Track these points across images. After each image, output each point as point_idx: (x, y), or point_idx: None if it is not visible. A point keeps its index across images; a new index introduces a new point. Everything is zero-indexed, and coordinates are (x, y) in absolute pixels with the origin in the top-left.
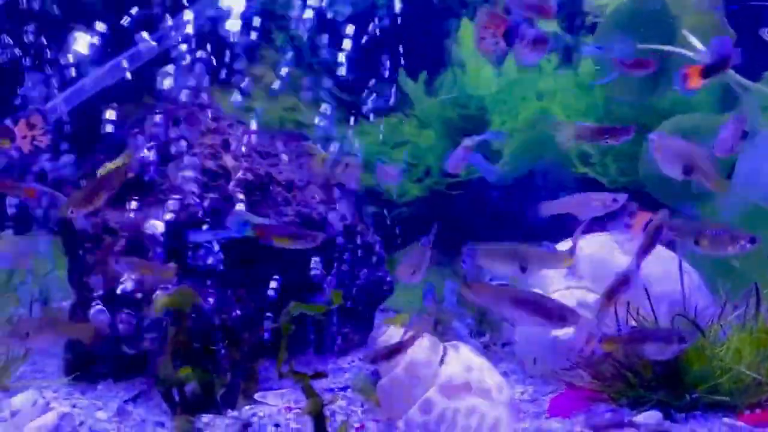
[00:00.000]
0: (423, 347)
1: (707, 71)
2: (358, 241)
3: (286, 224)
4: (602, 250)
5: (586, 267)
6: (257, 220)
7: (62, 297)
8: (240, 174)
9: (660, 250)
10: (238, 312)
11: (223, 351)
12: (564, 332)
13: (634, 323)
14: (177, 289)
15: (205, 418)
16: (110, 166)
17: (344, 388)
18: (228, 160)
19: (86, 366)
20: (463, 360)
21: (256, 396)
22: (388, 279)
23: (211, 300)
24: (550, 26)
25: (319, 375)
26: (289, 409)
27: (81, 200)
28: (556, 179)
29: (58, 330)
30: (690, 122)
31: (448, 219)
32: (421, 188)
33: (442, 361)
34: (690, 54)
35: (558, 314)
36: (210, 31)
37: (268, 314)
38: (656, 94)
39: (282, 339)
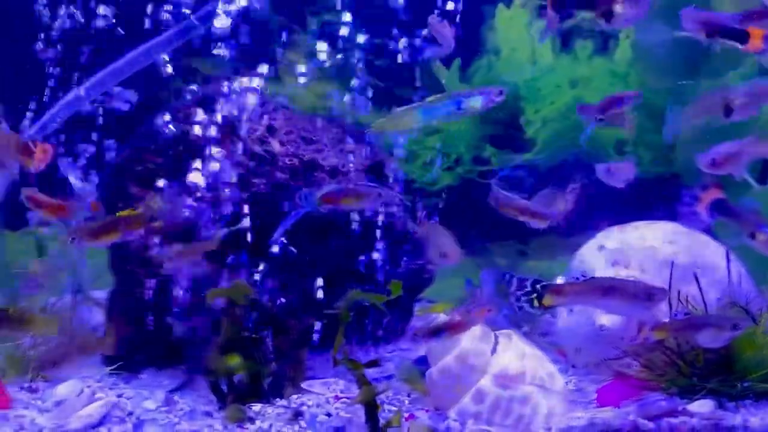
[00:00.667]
0: (474, 336)
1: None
2: (399, 229)
3: (346, 185)
4: (650, 239)
5: (633, 255)
6: (322, 190)
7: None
8: (286, 159)
9: (707, 240)
10: (283, 300)
11: (269, 339)
12: (610, 321)
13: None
14: (233, 282)
15: (256, 407)
16: (129, 212)
17: (388, 377)
18: (275, 145)
19: (127, 356)
20: (517, 349)
21: (303, 385)
22: (429, 267)
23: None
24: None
25: (373, 363)
26: (337, 398)
27: (87, 232)
28: (590, 169)
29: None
30: None
31: (480, 209)
32: (452, 176)
33: (494, 350)
34: (729, 42)
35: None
36: (243, 16)
37: (315, 302)
38: (692, 81)
39: (339, 326)
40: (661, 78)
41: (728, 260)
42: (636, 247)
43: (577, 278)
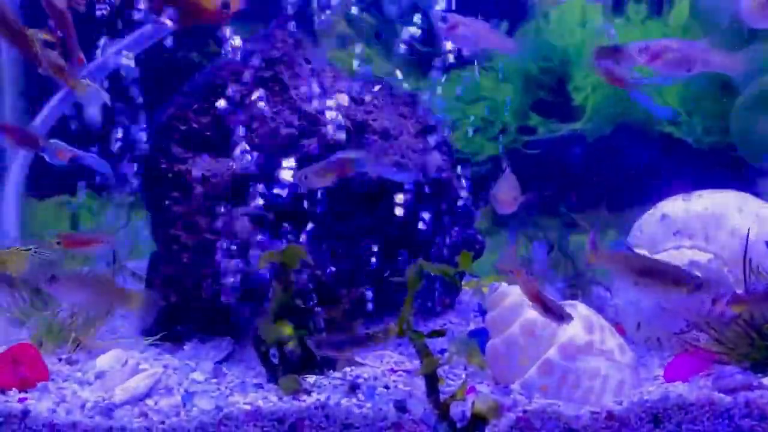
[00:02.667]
0: None
1: None
2: (453, 198)
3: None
4: (717, 208)
5: (698, 225)
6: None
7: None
8: (339, 119)
9: (760, 203)
10: (333, 268)
11: (320, 309)
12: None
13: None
14: (287, 246)
15: (311, 378)
16: None
17: (441, 352)
18: (326, 104)
19: (168, 326)
20: (583, 320)
21: (357, 358)
22: (480, 238)
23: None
24: None
25: (439, 333)
26: (393, 371)
27: None
28: (640, 139)
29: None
30: None
31: (527, 178)
32: (496, 147)
33: None
34: None
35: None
36: None
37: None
38: (746, 51)
39: (408, 295)
40: (719, 43)
41: None
42: (701, 216)
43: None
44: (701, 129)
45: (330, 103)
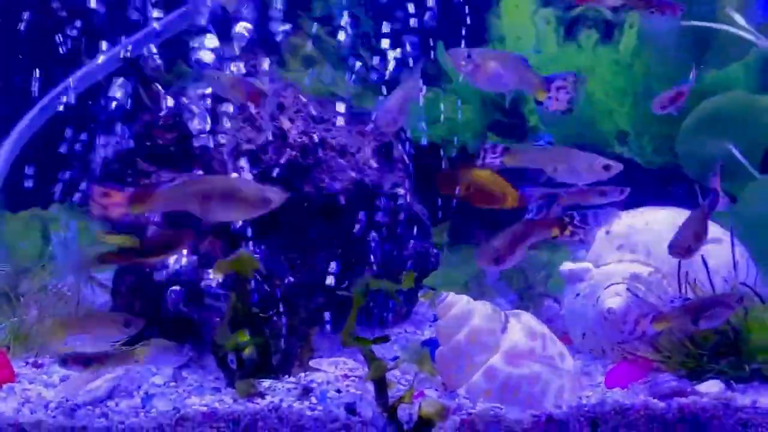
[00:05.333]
0: (484, 314)
1: None
2: (407, 211)
3: None
4: (657, 224)
5: (640, 240)
6: None
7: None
8: (296, 137)
9: (711, 225)
10: (292, 279)
11: (277, 318)
12: (617, 304)
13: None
14: (238, 254)
15: (266, 382)
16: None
17: (394, 359)
18: (284, 122)
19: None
20: (526, 327)
21: (312, 363)
22: (434, 251)
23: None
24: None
25: (382, 339)
26: (346, 376)
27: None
28: None
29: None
30: (726, 101)
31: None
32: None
33: (504, 328)
34: (732, 30)
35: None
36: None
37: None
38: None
39: (352, 309)
40: (666, 67)
41: (732, 243)
42: (642, 232)
43: None
44: (651, 149)
45: (289, 121)
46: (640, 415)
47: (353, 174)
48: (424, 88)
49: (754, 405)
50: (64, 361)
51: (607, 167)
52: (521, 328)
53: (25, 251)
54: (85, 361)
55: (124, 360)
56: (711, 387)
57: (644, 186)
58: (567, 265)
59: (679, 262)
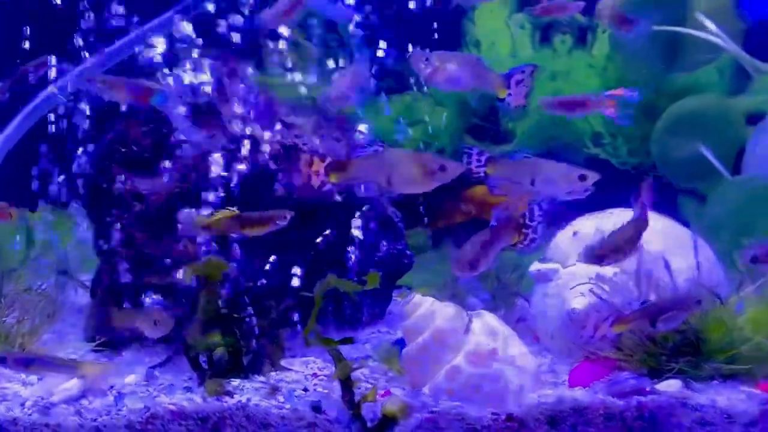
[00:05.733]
0: (448, 316)
1: None
2: (380, 215)
3: None
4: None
5: None
6: None
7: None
8: (268, 143)
9: (677, 226)
10: (264, 281)
11: (249, 319)
12: (581, 305)
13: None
14: (207, 258)
15: (235, 381)
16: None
17: (366, 357)
18: (257, 129)
19: (108, 333)
20: (489, 328)
21: (282, 362)
22: (408, 253)
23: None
24: None
25: (347, 340)
26: (315, 375)
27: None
28: (567, 160)
29: None
30: (698, 103)
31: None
32: None
33: (467, 329)
34: (702, 35)
35: None
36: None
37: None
38: (669, 75)
39: (313, 309)
40: (638, 71)
41: (695, 245)
42: (608, 233)
43: None
44: (626, 151)
45: (260, 128)
46: (598, 413)
47: (323, 179)
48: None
49: (711, 404)
50: (3, 360)
51: (583, 177)
52: (483, 329)
53: (10, 252)
54: (24, 362)
55: (69, 371)
56: (670, 386)
57: (620, 186)
58: (536, 266)
59: (639, 263)
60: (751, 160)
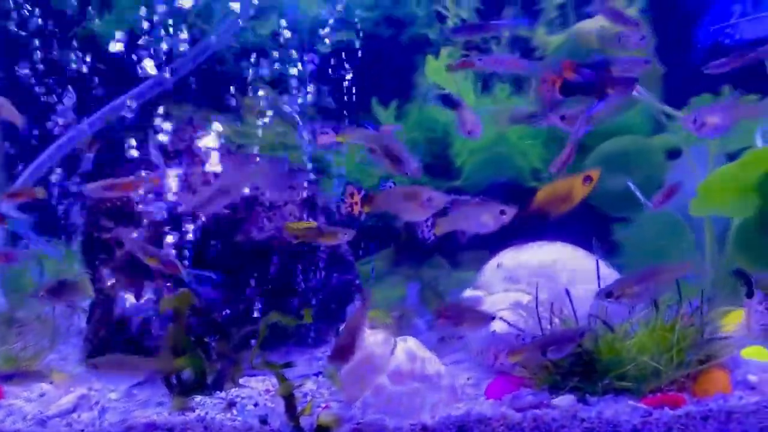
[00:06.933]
0: (377, 341)
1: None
2: (331, 251)
3: None
4: (540, 258)
5: (524, 272)
6: None
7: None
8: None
9: (587, 257)
10: (228, 311)
11: (214, 343)
12: (500, 328)
13: (556, 322)
14: (178, 292)
15: (198, 398)
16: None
17: (317, 374)
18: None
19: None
20: (410, 352)
21: (241, 380)
22: (357, 282)
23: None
24: None
25: (288, 365)
26: (268, 391)
27: None
28: (509, 194)
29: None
30: (623, 143)
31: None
32: None
33: (392, 353)
34: None
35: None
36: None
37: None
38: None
39: (258, 339)
40: None
41: (598, 274)
42: (526, 266)
43: None
44: None
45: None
46: (500, 424)
47: (279, 225)
48: None
49: (599, 416)
50: None
51: (503, 212)
52: (406, 352)
53: (27, 280)
54: (6, 377)
55: (42, 379)
56: (564, 400)
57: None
58: (466, 293)
59: (536, 293)
60: None
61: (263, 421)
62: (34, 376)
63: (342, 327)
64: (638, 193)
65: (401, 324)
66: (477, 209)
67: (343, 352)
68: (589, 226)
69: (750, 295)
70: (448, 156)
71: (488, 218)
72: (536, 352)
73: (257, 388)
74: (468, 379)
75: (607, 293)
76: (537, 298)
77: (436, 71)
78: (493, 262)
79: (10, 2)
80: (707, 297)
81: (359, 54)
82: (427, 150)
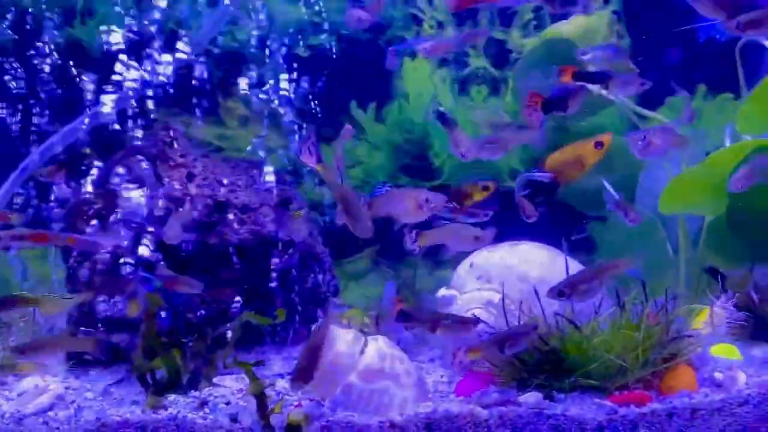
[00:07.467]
0: (347, 340)
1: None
2: (308, 252)
3: None
4: (510, 257)
5: (495, 272)
6: None
7: None
8: (202, 200)
9: (558, 257)
10: (203, 312)
11: (190, 343)
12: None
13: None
14: (146, 295)
15: (171, 397)
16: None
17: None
18: (192, 189)
19: (82, 355)
20: (379, 350)
21: (215, 379)
22: (333, 283)
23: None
24: (480, 62)
25: (259, 363)
26: (241, 390)
27: None
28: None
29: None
30: None
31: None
32: None
33: (362, 351)
34: (595, 89)
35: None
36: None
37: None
38: (575, 120)
39: (232, 338)
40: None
41: (567, 273)
42: (497, 265)
43: None
44: None
45: (195, 187)
46: (467, 421)
47: (252, 227)
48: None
49: (564, 413)
50: None
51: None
52: (375, 350)
53: (11, 282)
54: None
55: (11, 370)
56: (530, 397)
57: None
58: (441, 292)
59: (503, 291)
60: (641, 191)
61: (234, 419)
62: (5, 368)
63: (303, 347)
64: (611, 190)
65: (379, 323)
66: (457, 229)
67: (304, 373)
68: (565, 225)
69: (724, 292)
70: (427, 157)
71: (466, 240)
72: (494, 349)
73: (232, 387)
74: (441, 376)
75: (558, 292)
76: (504, 296)
77: (414, 73)
78: (466, 262)
79: None
80: (672, 295)
81: (336, 57)
82: (407, 151)
